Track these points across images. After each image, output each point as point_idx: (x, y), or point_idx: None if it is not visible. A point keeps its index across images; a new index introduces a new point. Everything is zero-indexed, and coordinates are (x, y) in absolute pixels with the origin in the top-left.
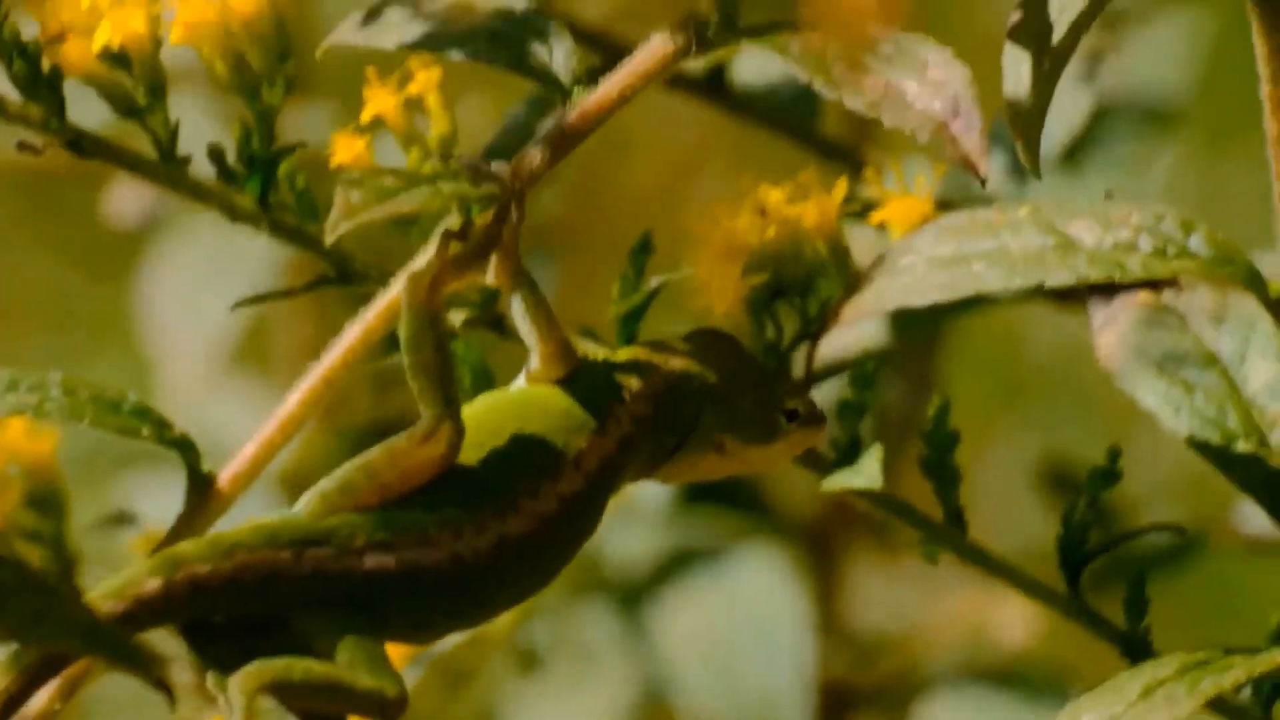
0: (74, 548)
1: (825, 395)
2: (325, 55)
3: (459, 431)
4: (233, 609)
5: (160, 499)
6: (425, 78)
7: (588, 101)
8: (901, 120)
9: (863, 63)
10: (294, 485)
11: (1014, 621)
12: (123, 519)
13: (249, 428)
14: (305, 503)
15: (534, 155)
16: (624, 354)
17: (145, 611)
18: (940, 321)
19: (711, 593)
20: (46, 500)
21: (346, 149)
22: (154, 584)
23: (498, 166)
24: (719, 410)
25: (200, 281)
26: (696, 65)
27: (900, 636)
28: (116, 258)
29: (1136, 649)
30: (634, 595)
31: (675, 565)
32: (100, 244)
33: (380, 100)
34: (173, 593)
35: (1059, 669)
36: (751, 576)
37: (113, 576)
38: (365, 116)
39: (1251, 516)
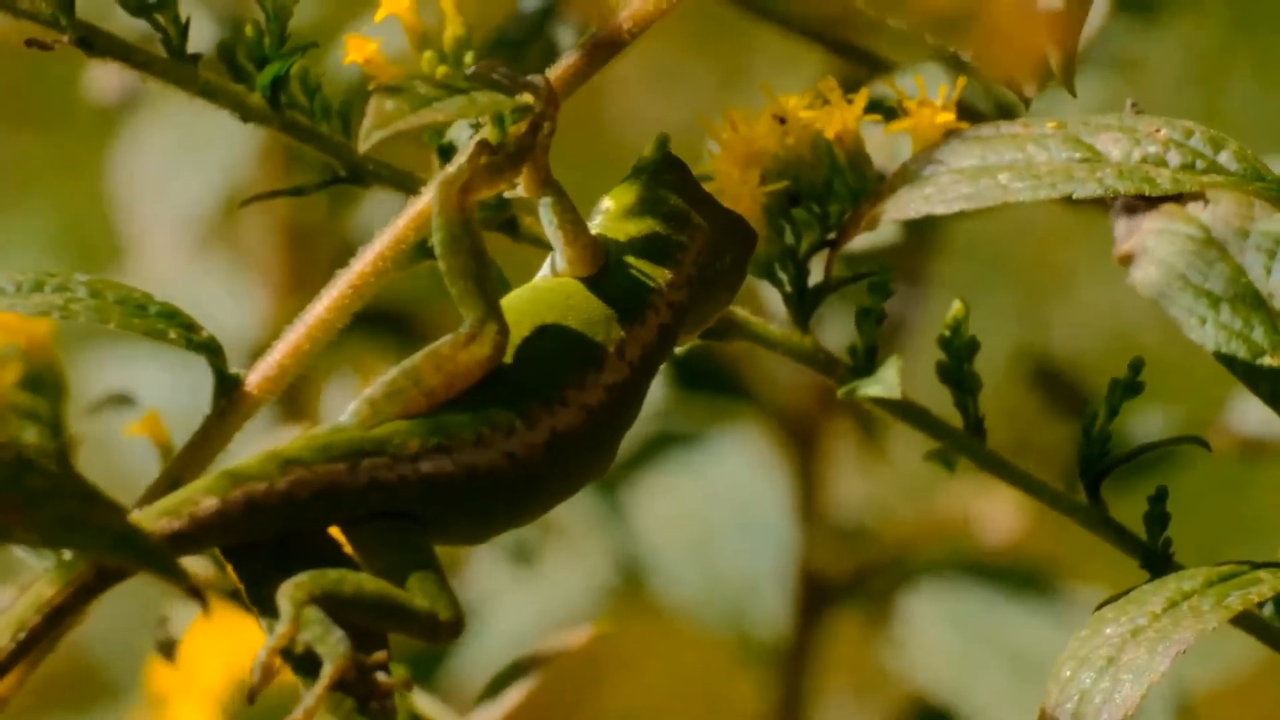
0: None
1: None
2: None
3: (503, 332)
4: (289, 525)
5: (131, 375)
6: None
7: (633, 7)
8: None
9: None
10: None
11: (998, 516)
12: (119, 400)
13: (221, 308)
14: (353, 412)
15: (572, 65)
16: (614, 215)
17: (201, 530)
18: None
19: (692, 478)
20: (44, 381)
21: (358, 49)
22: (210, 502)
23: (535, 78)
24: (734, 273)
25: (174, 161)
26: None
27: (883, 528)
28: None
29: (1157, 562)
30: (614, 479)
31: (656, 449)
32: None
33: (393, 0)
34: (229, 511)
35: (1043, 564)
36: (732, 463)
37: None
38: (379, 16)
39: (1247, 418)
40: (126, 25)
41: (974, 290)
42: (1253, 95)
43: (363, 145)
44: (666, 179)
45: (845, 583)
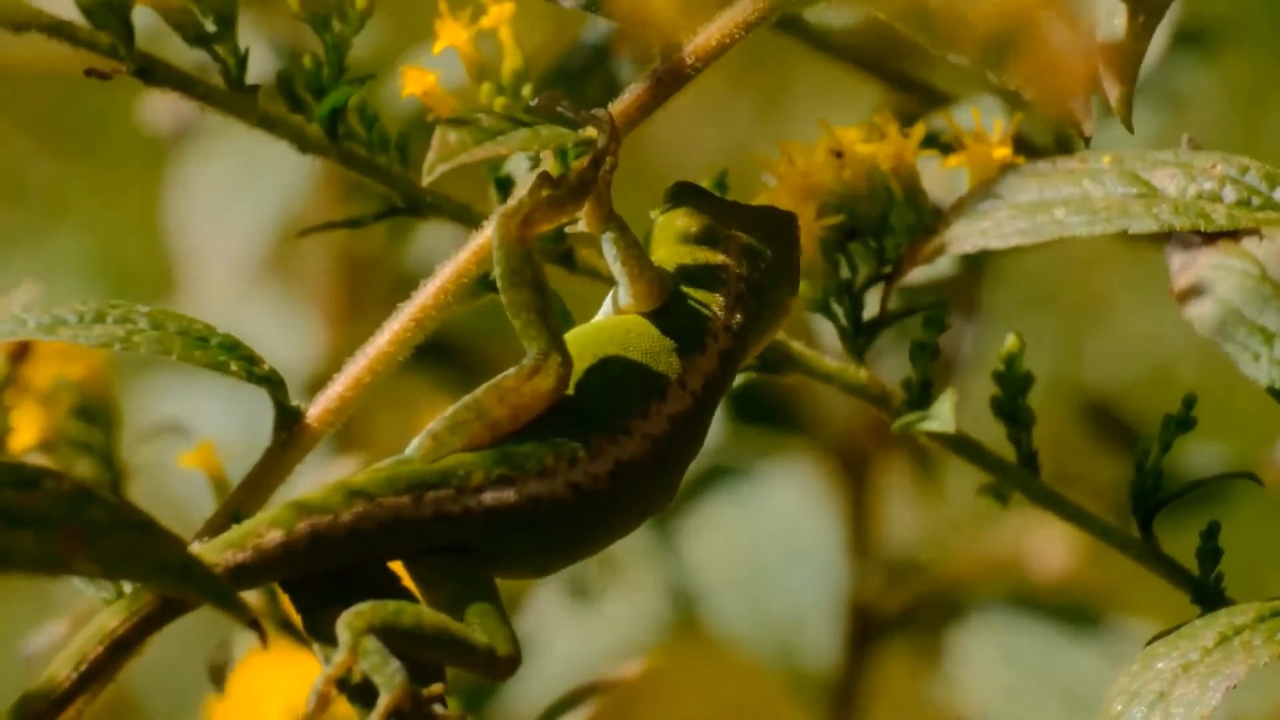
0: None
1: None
2: None
3: (566, 364)
4: (353, 558)
5: (186, 405)
6: (498, 11)
7: (697, 41)
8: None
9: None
10: None
11: (1049, 551)
12: (171, 429)
13: (274, 339)
14: (416, 445)
15: (635, 98)
16: (652, 255)
17: (265, 563)
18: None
19: (744, 511)
20: (96, 411)
21: (417, 81)
22: (275, 535)
23: (599, 111)
24: (785, 262)
25: (229, 193)
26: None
27: (934, 562)
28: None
29: (1209, 597)
30: (667, 512)
31: (708, 482)
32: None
33: (452, 32)
34: (294, 544)
35: (1093, 599)
36: (784, 496)
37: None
38: (437, 48)
39: None
40: (183, 54)
41: (1016, 319)
42: None
43: (427, 178)
44: (686, 204)
45: (895, 616)
